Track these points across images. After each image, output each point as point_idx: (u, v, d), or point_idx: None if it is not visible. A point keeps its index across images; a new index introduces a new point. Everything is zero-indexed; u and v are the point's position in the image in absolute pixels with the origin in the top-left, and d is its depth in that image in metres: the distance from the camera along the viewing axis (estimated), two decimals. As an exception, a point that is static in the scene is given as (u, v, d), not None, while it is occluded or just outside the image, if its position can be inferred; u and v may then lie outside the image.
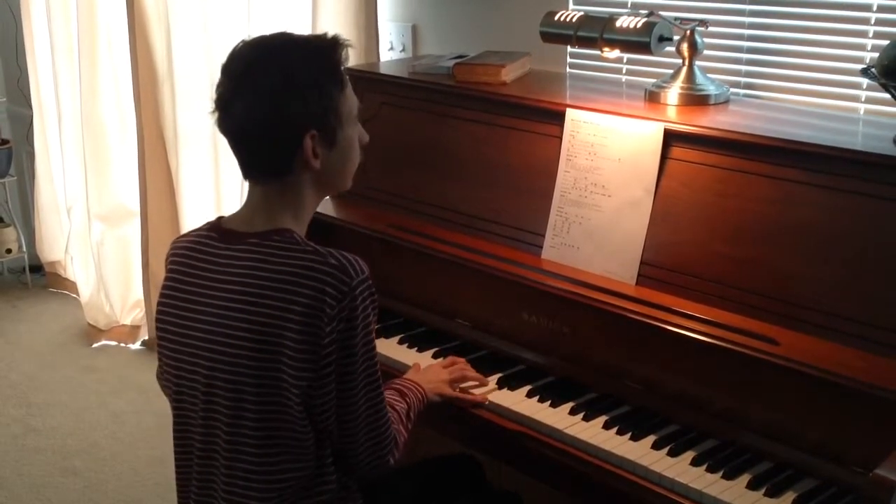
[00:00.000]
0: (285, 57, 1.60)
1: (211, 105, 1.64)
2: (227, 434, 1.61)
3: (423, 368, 2.02)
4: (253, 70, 1.59)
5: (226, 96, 1.61)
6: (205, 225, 1.71)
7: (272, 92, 1.57)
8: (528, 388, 1.98)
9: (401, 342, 2.19)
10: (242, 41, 1.65)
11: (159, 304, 1.69)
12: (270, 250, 1.59)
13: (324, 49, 1.63)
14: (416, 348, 2.16)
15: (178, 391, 1.67)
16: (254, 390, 1.56)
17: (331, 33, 1.67)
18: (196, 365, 1.61)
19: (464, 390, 1.98)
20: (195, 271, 1.64)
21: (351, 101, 1.67)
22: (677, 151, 1.95)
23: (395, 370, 2.07)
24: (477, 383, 2.00)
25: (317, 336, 1.52)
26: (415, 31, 2.98)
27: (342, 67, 1.64)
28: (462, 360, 2.04)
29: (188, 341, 1.62)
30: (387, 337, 2.20)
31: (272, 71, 1.58)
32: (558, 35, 2.22)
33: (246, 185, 1.70)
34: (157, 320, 1.69)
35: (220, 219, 1.71)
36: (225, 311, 1.58)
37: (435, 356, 2.12)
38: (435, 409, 1.91)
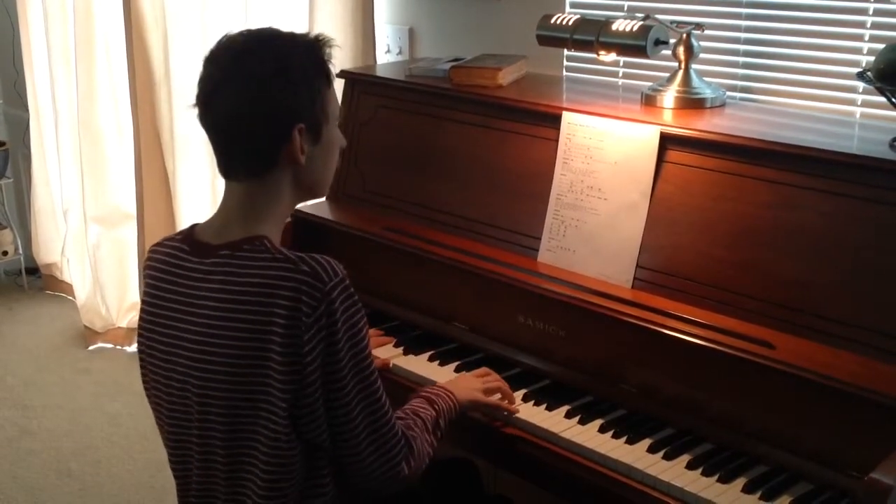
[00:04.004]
0: (277, 46, 1.59)
1: (193, 100, 1.61)
2: (224, 450, 1.59)
3: (456, 377, 1.98)
4: (244, 58, 1.57)
5: (211, 87, 1.58)
6: (178, 235, 1.67)
7: (263, 80, 1.55)
8: (524, 391, 1.97)
9: (396, 345, 2.18)
10: (226, 34, 1.63)
11: (140, 324, 1.66)
12: (241, 262, 1.55)
13: (313, 44, 1.63)
14: (412, 352, 2.15)
15: (170, 410, 1.64)
16: (247, 405, 1.54)
17: (314, 33, 1.68)
18: (186, 383, 1.59)
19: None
20: (172, 286, 1.61)
21: (335, 100, 1.67)
22: (673, 155, 1.95)
23: (391, 372, 2.07)
24: (506, 401, 1.93)
25: (298, 346, 1.49)
26: (411, 33, 2.98)
27: (329, 65, 1.64)
28: (494, 373, 1.96)
29: (176, 359, 1.60)
30: (383, 340, 2.20)
31: (265, 58, 1.56)
32: (555, 38, 2.22)
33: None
34: (141, 340, 1.67)
35: (193, 227, 1.66)
36: (206, 329, 1.55)
37: (431, 359, 2.11)
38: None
